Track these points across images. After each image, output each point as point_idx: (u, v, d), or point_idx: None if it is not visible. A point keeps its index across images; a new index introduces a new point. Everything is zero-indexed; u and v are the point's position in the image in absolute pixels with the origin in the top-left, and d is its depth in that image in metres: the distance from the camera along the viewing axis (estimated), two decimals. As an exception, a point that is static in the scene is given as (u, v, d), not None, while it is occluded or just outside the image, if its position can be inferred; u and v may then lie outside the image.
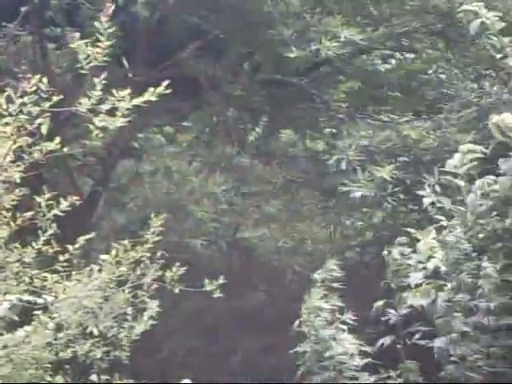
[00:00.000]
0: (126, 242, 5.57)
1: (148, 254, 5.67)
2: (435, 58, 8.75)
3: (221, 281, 5.87)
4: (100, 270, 5.59)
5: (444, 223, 6.71)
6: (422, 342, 6.38)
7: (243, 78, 8.81)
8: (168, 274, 5.86)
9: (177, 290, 5.87)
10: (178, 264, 5.85)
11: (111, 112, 4.95)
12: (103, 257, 5.65)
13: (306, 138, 9.27)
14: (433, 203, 6.76)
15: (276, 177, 9.42)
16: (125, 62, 8.77)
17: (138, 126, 8.87)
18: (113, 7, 4.87)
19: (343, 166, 8.03)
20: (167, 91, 4.87)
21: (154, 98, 4.87)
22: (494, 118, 6.56)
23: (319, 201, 9.38)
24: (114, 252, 5.50)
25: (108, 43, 4.74)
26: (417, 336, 6.45)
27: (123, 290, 5.54)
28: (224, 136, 9.29)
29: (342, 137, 8.46)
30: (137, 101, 5.06)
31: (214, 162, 9.43)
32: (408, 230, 6.74)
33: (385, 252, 6.67)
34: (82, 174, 9.24)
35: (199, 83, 8.82)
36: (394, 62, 9.07)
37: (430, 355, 6.42)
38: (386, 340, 6.59)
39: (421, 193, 6.85)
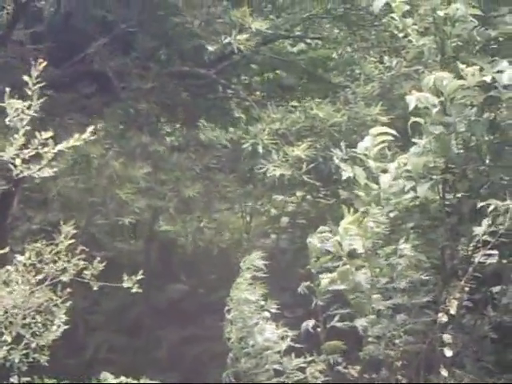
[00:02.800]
0: (39, 244, 5.59)
1: (64, 259, 5.68)
2: (339, 42, 8.93)
3: (140, 276, 5.93)
4: (17, 271, 5.60)
5: (360, 204, 6.87)
6: (340, 324, 6.53)
7: (153, 72, 8.80)
8: (88, 271, 5.89)
9: (95, 287, 5.91)
10: (98, 259, 5.90)
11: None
12: (19, 258, 5.66)
13: (220, 127, 9.31)
14: (349, 177, 6.92)
15: (193, 164, 9.40)
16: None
17: (50, 125, 8.79)
18: (44, 63, 4.97)
19: (260, 149, 8.11)
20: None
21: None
22: (412, 96, 6.72)
23: (237, 187, 9.42)
24: (27, 255, 5.51)
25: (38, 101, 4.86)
26: (336, 319, 6.61)
27: (35, 292, 5.55)
28: (136, 130, 9.24)
29: (253, 122, 8.55)
30: (62, 146, 5.19)
31: (129, 151, 9.33)
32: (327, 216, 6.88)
33: (308, 240, 6.78)
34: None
35: (109, 79, 8.78)
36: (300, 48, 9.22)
37: (351, 336, 6.59)
38: (308, 324, 6.72)
39: (340, 165, 6.99)
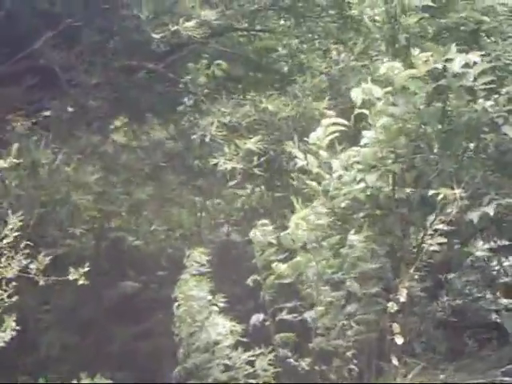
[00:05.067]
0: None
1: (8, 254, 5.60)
2: (287, 34, 8.94)
3: (86, 269, 5.89)
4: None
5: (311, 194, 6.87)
6: (289, 317, 6.51)
7: (99, 67, 8.69)
8: (34, 265, 5.83)
9: (42, 282, 5.84)
10: (42, 254, 5.83)
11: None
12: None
13: (170, 122, 9.25)
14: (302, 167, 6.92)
15: (143, 162, 9.32)
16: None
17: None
18: None
19: (207, 139, 8.08)
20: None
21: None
22: (357, 89, 6.73)
23: (188, 182, 9.35)
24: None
25: None
26: (284, 312, 6.58)
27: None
28: (85, 126, 9.12)
29: (203, 115, 8.49)
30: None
31: (79, 152, 9.22)
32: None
33: (251, 233, 6.74)
34: None
35: (55, 74, 8.65)
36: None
37: (302, 328, 6.56)
38: (258, 318, 6.69)
39: (294, 152, 6.98)
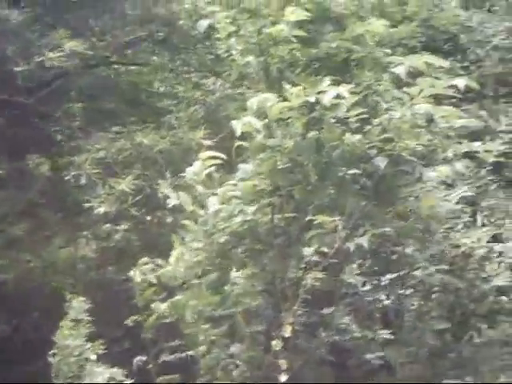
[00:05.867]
0: None
1: None
2: (161, 67, 8.82)
3: None
4: None
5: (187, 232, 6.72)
6: (171, 358, 6.34)
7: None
8: None
9: None
10: None
11: None
12: None
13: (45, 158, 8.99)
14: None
15: (17, 200, 9.01)
16: None
17: None
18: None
19: (83, 180, 7.88)
20: None
21: None
22: (238, 121, 6.63)
23: (62, 221, 9.09)
24: None
25: None
26: (167, 352, 6.40)
27: None
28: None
29: (78, 152, 8.27)
30: None
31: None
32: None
33: (131, 272, 6.56)
34: None
35: None
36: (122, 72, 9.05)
37: (185, 369, 6.40)
38: (140, 359, 6.49)
39: (166, 192, 6.82)
